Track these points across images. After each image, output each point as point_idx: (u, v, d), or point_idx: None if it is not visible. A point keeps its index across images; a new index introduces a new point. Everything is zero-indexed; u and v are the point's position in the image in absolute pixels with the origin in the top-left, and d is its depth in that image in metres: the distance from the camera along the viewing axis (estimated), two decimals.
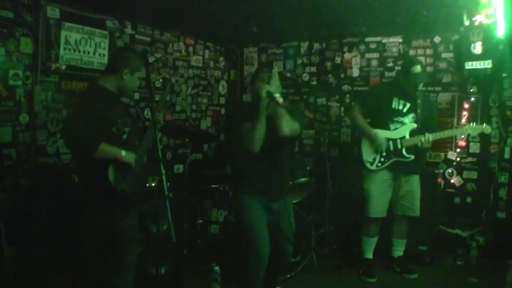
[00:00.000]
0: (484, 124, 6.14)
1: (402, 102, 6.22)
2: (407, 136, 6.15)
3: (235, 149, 5.11)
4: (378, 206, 6.27)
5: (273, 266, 5.18)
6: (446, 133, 6.28)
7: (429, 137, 5.98)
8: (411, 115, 6.20)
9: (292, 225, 5.17)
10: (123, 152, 4.30)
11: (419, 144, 6.04)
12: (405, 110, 6.22)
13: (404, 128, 6.19)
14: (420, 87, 6.07)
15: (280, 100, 4.56)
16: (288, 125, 4.78)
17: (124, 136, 4.51)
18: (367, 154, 6.30)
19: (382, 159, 6.22)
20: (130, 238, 4.54)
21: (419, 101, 6.12)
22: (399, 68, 7.53)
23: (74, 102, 4.81)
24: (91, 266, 4.58)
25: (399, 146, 6.15)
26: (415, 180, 6.37)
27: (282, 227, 5.08)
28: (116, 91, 4.55)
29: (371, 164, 6.27)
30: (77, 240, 4.93)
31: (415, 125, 6.15)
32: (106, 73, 4.59)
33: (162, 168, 3.96)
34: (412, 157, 6.14)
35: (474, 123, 6.13)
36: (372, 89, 7.50)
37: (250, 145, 4.71)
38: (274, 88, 4.73)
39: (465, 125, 6.31)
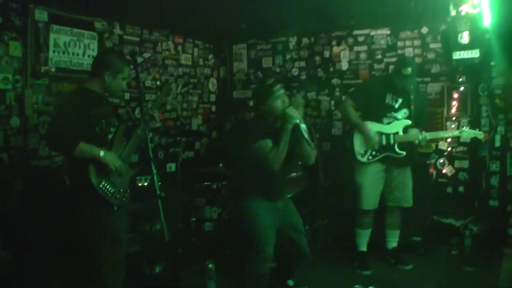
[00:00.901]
0: (477, 129, 6.19)
1: (394, 97, 6.21)
2: (401, 132, 6.16)
3: (243, 164, 5.07)
4: (370, 198, 6.28)
5: (296, 261, 5.25)
6: (441, 134, 6.36)
7: (426, 136, 6.01)
8: (404, 111, 6.20)
9: (299, 218, 5.24)
10: (102, 153, 4.27)
11: (416, 142, 6.09)
12: (397, 105, 6.21)
13: (398, 123, 6.19)
14: (411, 87, 6.10)
15: (306, 136, 4.66)
16: (312, 154, 4.99)
17: (109, 136, 4.49)
18: (359, 146, 6.30)
19: (374, 152, 6.22)
20: (118, 235, 4.49)
21: (412, 96, 6.14)
22: (389, 60, 7.58)
23: (58, 103, 4.76)
24: (81, 264, 4.60)
25: (391, 142, 6.16)
26: (408, 171, 6.38)
27: (293, 222, 5.11)
28: (102, 93, 4.55)
29: (362, 156, 6.27)
30: (68, 238, 4.95)
31: (409, 122, 6.16)
32: (90, 76, 4.59)
33: (153, 168, 3.96)
34: (404, 153, 6.15)
35: (468, 127, 6.18)
36: (365, 83, 7.45)
37: (271, 165, 4.66)
38: (298, 115, 4.79)
39: (459, 129, 6.37)
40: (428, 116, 6.52)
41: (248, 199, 4.91)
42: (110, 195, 4.35)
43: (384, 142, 6.19)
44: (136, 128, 4.65)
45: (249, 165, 4.87)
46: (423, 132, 6.03)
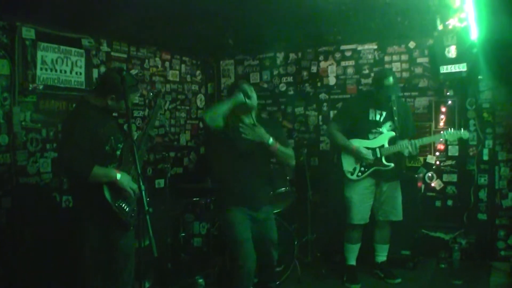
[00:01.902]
0: (462, 129, 6.18)
1: (378, 112, 6.23)
2: (386, 145, 6.17)
3: (213, 160, 5.15)
4: (360, 213, 6.27)
5: (261, 276, 5.29)
6: (425, 140, 6.32)
7: (416, 143, 6.02)
8: (388, 124, 6.21)
9: (276, 232, 5.25)
10: (118, 175, 4.23)
11: (407, 153, 6.09)
12: (381, 119, 6.23)
13: (382, 136, 6.20)
14: (393, 97, 6.09)
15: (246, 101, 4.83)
16: (291, 158, 5.13)
17: (118, 152, 4.46)
18: (348, 165, 6.31)
19: (362, 169, 6.23)
20: (129, 255, 4.50)
21: (394, 108, 6.13)
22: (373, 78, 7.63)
23: (64, 124, 4.71)
24: (88, 285, 4.54)
25: (378, 155, 6.17)
26: (396, 185, 6.39)
27: (267, 235, 5.13)
28: (105, 107, 4.47)
29: (352, 174, 6.28)
30: (72, 259, 4.89)
31: (393, 134, 6.16)
32: (94, 92, 4.54)
33: (141, 184, 3.95)
34: (392, 165, 6.16)
35: (452, 129, 6.16)
36: (347, 104, 7.43)
37: (214, 121, 4.78)
38: (254, 103, 4.94)
39: (443, 131, 6.31)
40: (415, 126, 6.56)
41: (227, 211, 4.97)
42: (126, 214, 4.33)
43: (371, 157, 6.21)
44: (140, 144, 4.65)
45: (218, 162, 5.10)
46: (412, 141, 6.03)
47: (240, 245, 4.89)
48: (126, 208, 4.32)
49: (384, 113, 6.22)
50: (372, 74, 7.88)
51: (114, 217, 4.26)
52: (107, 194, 4.19)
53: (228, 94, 5.14)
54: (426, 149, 7.51)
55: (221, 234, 6.32)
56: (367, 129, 6.26)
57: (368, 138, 6.25)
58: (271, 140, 4.88)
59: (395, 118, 6.14)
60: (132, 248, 4.53)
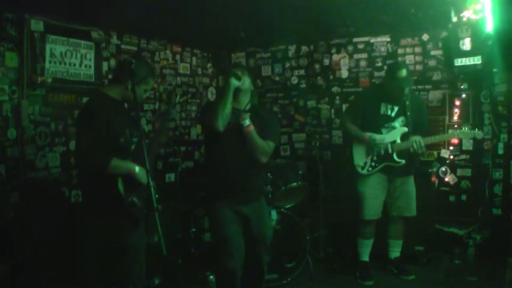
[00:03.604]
0: (476, 129, 6.10)
1: (390, 106, 6.15)
2: (398, 140, 6.08)
3: (205, 147, 5.09)
4: (372, 208, 6.21)
5: (245, 277, 4.90)
6: (437, 138, 6.26)
7: (421, 142, 5.91)
8: (401, 119, 6.12)
9: (268, 231, 5.08)
10: (137, 168, 4.21)
11: (412, 150, 6.00)
12: (393, 114, 6.14)
13: (395, 131, 6.11)
14: (407, 90, 5.95)
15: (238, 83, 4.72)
16: (261, 152, 4.79)
17: (132, 147, 4.41)
18: (358, 158, 6.25)
19: (373, 164, 6.16)
20: (140, 250, 4.46)
21: (407, 102, 6.01)
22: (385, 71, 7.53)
23: (80, 116, 4.57)
24: (96, 280, 4.51)
25: (390, 151, 6.09)
26: (410, 180, 6.31)
27: (257, 233, 4.91)
28: (121, 99, 4.43)
29: (362, 168, 6.22)
30: (80, 253, 4.85)
31: (406, 129, 6.06)
32: (111, 82, 4.49)
33: (149, 180, 3.90)
34: (403, 161, 6.06)
35: (466, 128, 6.08)
36: (358, 97, 7.41)
37: (213, 121, 4.63)
38: (246, 85, 4.82)
39: (456, 130, 6.22)
40: (428, 121, 6.46)
41: (214, 207, 4.82)
42: (138, 209, 4.29)
43: (382, 152, 6.12)
44: (154, 139, 4.69)
45: (209, 147, 5.00)
46: (417, 139, 5.92)
47: (224, 242, 4.73)
48: (138, 203, 4.27)
49: (396, 108, 6.13)
50: (385, 67, 7.79)
51: (125, 212, 4.21)
52: (121, 188, 4.14)
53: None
54: (440, 143, 7.38)
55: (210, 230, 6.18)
56: (379, 124, 6.19)
57: (380, 133, 6.16)
58: (246, 121, 4.68)
59: (408, 113, 6.04)
60: (142, 244, 4.49)
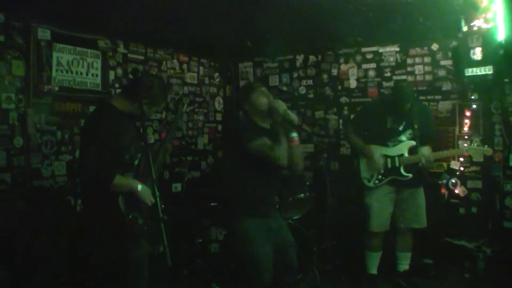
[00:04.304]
0: (486, 146, 6.01)
1: (397, 120, 6.08)
2: (406, 154, 6.01)
3: (233, 168, 4.95)
4: (380, 220, 6.12)
5: (284, 284, 4.98)
6: (445, 153, 6.18)
7: (430, 157, 5.86)
8: (408, 132, 6.05)
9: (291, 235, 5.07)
10: (139, 187, 4.12)
11: (420, 165, 5.93)
12: (401, 128, 6.07)
13: (402, 145, 6.05)
14: (409, 105, 5.89)
15: (296, 119, 4.53)
16: (301, 162, 4.88)
17: (135, 162, 4.33)
18: (365, 171, 6.20)
19: (380, 177, 6.09)
20: (141, 268, 4.36)
21: (413, 116, 5.98)
22: (398, 78, 7.47)
23: (86, 127, 4.55)
24: None
25: (397, 164, 6.02)
26: (419, 192, 6.20)
27: (287, 240, 4.92)
28: (129, 112, 4.29)
29: (369, 180, 6.15)
30: (84, 267, 4.88)
31: (413, 143, 6.00)
32: (121, 94, 4.42)
33: (156, 190, 3.85)
34: (410, 175, 5.98)
35: (475, 144, 6.00)
36: (364, 109, 7.24)
37: (279, 161, 4.53)
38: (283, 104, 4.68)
39: (465, 145, 6.17)
40: (436, 131, 6.39)
41: (242, 220, 4.70)
42: (139, 226, 4.20)
43: (389, 165, 6.05)
44: (158, 154, 4.59)
45: (239, 170, 4.77)
46: (426, 153, 5.86)
47: (257, 257, 4.62)
48: (139, 221, 4.19)
49: (403, 122, 6.06)
50: (394, 77, 7.83)
51: (126, 229, 4.12)
52: (121, 205, 4.05)
53: (242, 96, 4.97)
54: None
55: (230, 241, 6.08)
56: (385, 137, 6.13)
57: (387, 146, 6.11)
58: (295, 134, 4.66)
59: (415, 126, 5.98)
60: (145, 257, 4.41)
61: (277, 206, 6.17)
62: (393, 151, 6.06)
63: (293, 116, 4.50)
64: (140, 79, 4.28)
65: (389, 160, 6.05)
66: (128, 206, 4.10)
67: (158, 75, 6.72)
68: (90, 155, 4.01)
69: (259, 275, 4.59)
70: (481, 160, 7.12)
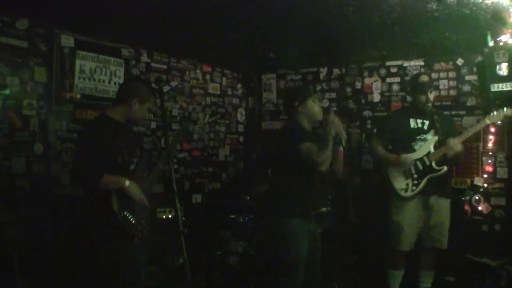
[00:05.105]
0: (505, 108, 5.87)
1: (419, 121, 6.06)
2: (432, 150, 5.96)
3: (286, 171, 4.99)
4: (407, 239, 6.01)
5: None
6: (470, 131, 6.01)
7: (456, 141, 5.77)
8: (432, 131, 6.02)
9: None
10: (127, 182, 4.22)
11: (449, 150, 5.81)
12: (425, 127, 6.05)
13: (426, 144, 6.00)
14: (429, 93, 5.95)
15: (345, 138, 4.97)
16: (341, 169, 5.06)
17: (132, 167, 4.46)
18: (398, 182, 6.08)
19: (416, 181, 5.99)
20: (136, 268, 4.42)
21: (435, 116, 6.01)
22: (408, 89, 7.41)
23: (78, 133, 4.86)
24: None
25: (427, 162, 5.94)
26: (446, 209, 6.10)
27: (318, 244, 5.07)
28: (124, 121, 4.49)
29: (406, 191, 6.03)
30: (82, 268, 4.96)
31: (436, 137, 5.96)
32: (115, 103, 4.54)
33: (177, 202, 3.86)
34: (445, 168, 5.90)
35: (494, 112, 5.90)
36: (386, 117, 7.38)
37: (321, 165, 4.68)
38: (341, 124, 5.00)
39: (485, 118, 6.01)
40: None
41: (289, 218, 4.81)
42: (131, 226, 4.28)
43: (421, 167, 5.97)
44: (157, 161, 4.69)
45: (291, 171, 4.87)
46: (450, 138, 5.80)
47: (296, 256, 4.77)
48: (132, 220, 4.30)
49: (426, 122, 6.04)
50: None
51: (118, 228, 4.23)
52: (114, 204, 4.19)
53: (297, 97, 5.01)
54: (474, 170, 7.23)
55: (271, 237, 6.05)
56: (410, 138, 6.07)
57: (413, 149, 6.04)
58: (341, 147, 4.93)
59: (437, 126, 5.96)
60: (141, 261, 4.48)
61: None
62: (420, 152, 6.01)
63: (345, 135, 4.92)
64: (126, 85, 4.67)
65: (418, 162, 5.98)
66: (121, 206, 4.23)
67: (138, 76, 6.85)
68: (79, 160, 4.31)
69: (294, 273, 4.74)
70: (505, 173, 7.05)
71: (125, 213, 4.24)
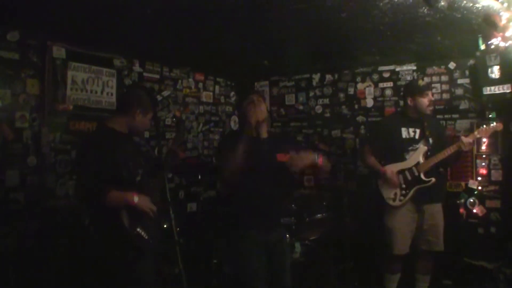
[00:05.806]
0: (494, 122, 5.94)
1: (411, 130, 6.06)
2: (422, 160, 5.95)
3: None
4: (401, 243, 6.01)
5: None
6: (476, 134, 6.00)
7: (465, 139, 5.77)
8: (423, 140, 6.03)
9: (288, 257, 4.97)
10: (136, 198, 4.08)
11: (465, 148, 5.78)
12: (417, 136, 6.05)
13: (416, 154, 5.99)
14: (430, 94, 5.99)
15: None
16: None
17: (138, 178, 4.32)
18: (387, 191, 6.09)
19: (404, 192, 5.99)
20: (147, 282, 4.31)
21: (426, 123, 5.99)
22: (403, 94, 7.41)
23: (79, 147, 4.69)
24: None
25: (416, 173, 5.94)
26: (439, 212, 6.10)
27: (282, 258, 4.79)
28: (126, 131, 4.38)
29: (394, 200, 6.04)
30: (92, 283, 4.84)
31: (425, 148, 5.96)
32: (116, 113, 4.44)
33: (171, 212, 3.81)
34: (433, 179, 5.89)
35: (484, 126, 5.92)
36: (378, 125, 7.31)
37: (228, 177, 4.56)
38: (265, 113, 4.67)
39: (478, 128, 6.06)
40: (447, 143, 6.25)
41: (239, 238, 4.64)
42: (144, 241, 4.16)
43: (409, 177, 5.97)
44: (161, 168, 4.58)
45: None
46: (462, 138, 5.80)
47: (249, 276, 4.57)
48: (144, 236, 4.16)
49: (418, 130, 6.04)
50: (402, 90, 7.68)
51: (130, 244, 4.11)
52: (125, 220, 4.04)
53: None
54: (468, 173, 7.25)
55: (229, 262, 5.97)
56: (402, 149, 6.07)
57: (404, 159, 6.04)
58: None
59: (427, 133, 5.97)
60: (151, 274, 4.37)
61: (293, 227, 6.14)
62: (409, 162, 6.01)
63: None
64: (128, 94, 4.62)
65: (407, 172, 5.98)
66: (132, 221, 4.09)
67: (139, 84, 6.85)
68: (83, 177, 4.09)
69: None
70: (500, 175, 7.09)
71: (138, 229, 4.12)
